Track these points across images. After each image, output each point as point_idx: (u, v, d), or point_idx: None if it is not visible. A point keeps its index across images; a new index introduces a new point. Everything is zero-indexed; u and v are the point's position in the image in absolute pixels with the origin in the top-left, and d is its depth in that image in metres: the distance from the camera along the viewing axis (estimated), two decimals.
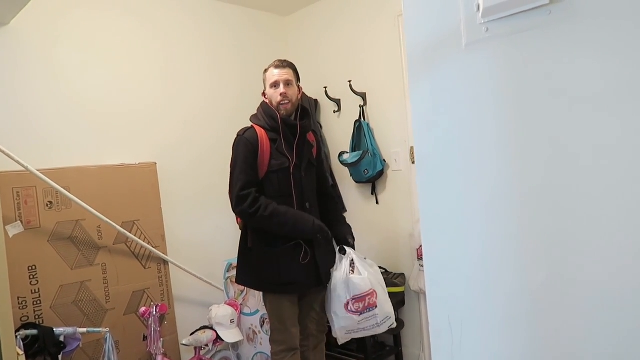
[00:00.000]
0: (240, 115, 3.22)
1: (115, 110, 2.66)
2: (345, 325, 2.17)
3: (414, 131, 1.22)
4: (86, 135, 2.55)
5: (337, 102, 3.25)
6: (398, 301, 2.81)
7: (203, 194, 2.99)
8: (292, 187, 2.18)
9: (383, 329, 2.18)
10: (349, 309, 2.13)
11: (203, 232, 2.98)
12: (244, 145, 2.15)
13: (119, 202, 2.55)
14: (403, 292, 2.83)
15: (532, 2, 0.92)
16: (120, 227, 2.50)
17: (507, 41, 0.97)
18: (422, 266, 2.68)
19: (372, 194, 3.09)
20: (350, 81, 3.10)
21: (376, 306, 2.12)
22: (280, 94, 2.18)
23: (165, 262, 2.72)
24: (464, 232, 1.06)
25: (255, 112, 2.30)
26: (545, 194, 0.92)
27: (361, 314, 2.12)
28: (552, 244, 0.91)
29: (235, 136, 2.22)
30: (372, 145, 3.00)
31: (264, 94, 2.29)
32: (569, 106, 0.88)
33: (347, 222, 2.45)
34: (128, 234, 2.52)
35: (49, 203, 2.33)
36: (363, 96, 3.08)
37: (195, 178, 2.97)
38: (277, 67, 2.23)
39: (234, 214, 2.26)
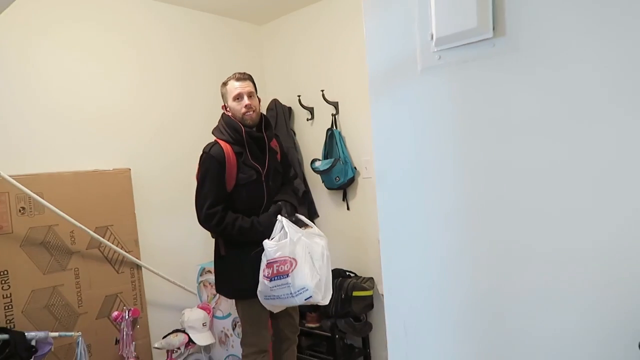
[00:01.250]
0: (213, 122, 3.27)
1: (90, 116, 2.69)
2: (261, 289, 2.14)
3: (374, 148, 1.32)
4: (60, 141, 2.57)
5: (311, 110, 3.33)
6: (366, 304, 2.91)
7: (177, 199, 3.03)
8: (262, 198, 2.26)
9: (299, 300, 2.09)
10: (263, 273, 2.12)
11: (176, 236, 3.02)
12: (210, 162, 2.19)
13: (93, 207, 2.57)
14: (371, 295, 2.92)
15: (477, 35, 1.02)
16: (94, 232, 2.52)
17: (457, 68, 1.07)
18: None
19: (343, 200, 3.18)
20: (322, 90, 3.19)
21: (287, 275, 2.06)
22: (245, 106, 2.22)
23: (139, 267, 2.75)
24: (420, 244, 1.15)
25: (217, 125, 2.32)
26: (494, 208, 1.02)
27: (271, 280, 2.08)
28: (500, 254, 1.02)
29: (201, 152, 2.25)
30: (343, 153, 3.08)
31: (225, 107, 2.31)
32: (509, 130, 0.99)
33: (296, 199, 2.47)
34: (101, 239, 2.55)
35: (21, 209, 2.35)
36: (335, 105, 3.17)
37: (169, 184, 3.01)
38: (238, 79, 2.27)
39: None
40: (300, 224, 2.27)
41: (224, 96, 2.32)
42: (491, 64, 1.02)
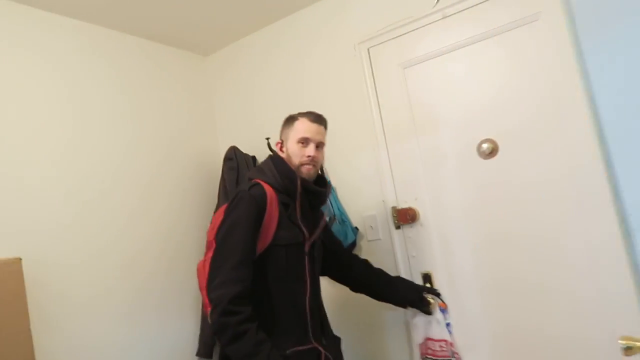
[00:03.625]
0: (159, 174, 2.40)
1: None
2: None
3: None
4: None
5: None
6: None
7: (104, 298, 2.04)
8: (305, 270, 1.69)
9: None
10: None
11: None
12: (249, 204, 1.60)
13: None
14: None
15: None
16: None
17: None
18: None
19: None
20: None
21: None
22: (308, 156, 1.74)
23: None
24: None
25: (260, 167, 1.84)
26: None
27: None
28: None
29: (236, 193, 1.68)
30: (338, 209, 2.26)
31: (280, 145, 1.82)
32: None
33: None
34: None
35: None
36: None
37: (91, 277, 2.02)
38: (313, 121, 1.78)
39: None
40: None
41: (286, 131, 1.81)
42: None
